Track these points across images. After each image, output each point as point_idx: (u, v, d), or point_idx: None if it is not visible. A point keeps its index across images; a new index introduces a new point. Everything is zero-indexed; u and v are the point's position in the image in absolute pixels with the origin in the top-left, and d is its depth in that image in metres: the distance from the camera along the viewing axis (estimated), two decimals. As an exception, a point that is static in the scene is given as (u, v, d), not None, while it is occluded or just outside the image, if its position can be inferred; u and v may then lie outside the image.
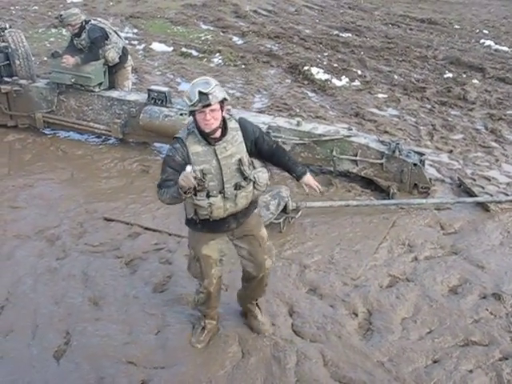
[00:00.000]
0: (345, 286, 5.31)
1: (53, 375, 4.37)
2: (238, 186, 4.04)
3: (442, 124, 9.40)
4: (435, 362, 4.50)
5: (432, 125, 9.36)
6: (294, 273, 5.47)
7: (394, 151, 6.82)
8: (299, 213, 6.25)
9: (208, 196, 3.98)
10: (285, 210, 6.06)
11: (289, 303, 5.06)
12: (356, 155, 7.01)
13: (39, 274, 5.48)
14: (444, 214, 6.54)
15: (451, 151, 8.37)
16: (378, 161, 6.91)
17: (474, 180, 7.38)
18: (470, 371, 4.40)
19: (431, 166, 7.70)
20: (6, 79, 8.49)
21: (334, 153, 7.04)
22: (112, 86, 8.41)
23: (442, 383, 4.28)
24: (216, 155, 3.94)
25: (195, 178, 3.65)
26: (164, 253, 5.73)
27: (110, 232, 6.10)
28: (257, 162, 4.17)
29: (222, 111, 3.89)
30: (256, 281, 4.53)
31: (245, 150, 4.05)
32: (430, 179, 7.00)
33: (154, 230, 6.12)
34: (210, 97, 3.73)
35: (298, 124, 7.27)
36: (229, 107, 7.63)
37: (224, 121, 3.95)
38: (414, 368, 4.42)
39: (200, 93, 3.71)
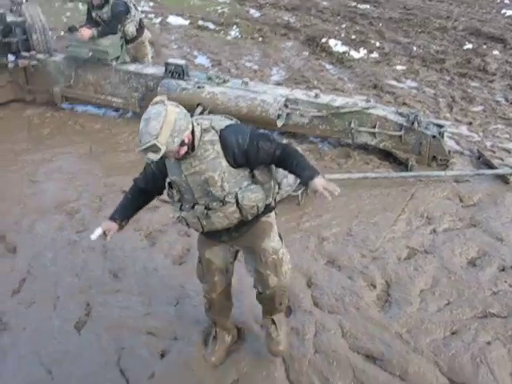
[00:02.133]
0: (363, 257, 5.31)
1: (74, 346, 4.44)
2: (208, 207, 3.57)
3: (461, 96, 9.29)
4: (453, 333, 4.50)
5: (451, 97, 9.25)
6: (312, 245, 5.48)
7: (412, 123, 6.76)
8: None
9: (181, 208, 3.69)
10: (303, 182, 6.04)
11: (307, 275, 5.08)
12: (374, 127, 6.96)
13: (59, 246, 5.54)
14: (463, 187, 6.48)
15: (471, 123, 8.28)
16: (397, 133, 6.86)
17: (494, 152, 7.29)
18: (488, 343, 4.39)
19: (450, 138, 7.61)
20: (24, 54, 8.50)
21: (353, 125, 7.00)
22: (133, 59, 8.39)
23: (459, 355, 4.28)
24: (182, 171, 3.53)
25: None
26: (182, 226, 5.73)
27: (129, 205, 6.13)
28: (263, 174, 3.66)
29: (188, 140, 3.39)
30: (264, 298, 4.07)
31: (221, 166, 3.48)
32: (449, 151, 6.93)
33: (172, 203, 6.13)
34: (166, 155, 3.34)
35: (316, 96, 7.23)
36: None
37: (193, 138, 3.44)
38: (432, 339, 4.42)
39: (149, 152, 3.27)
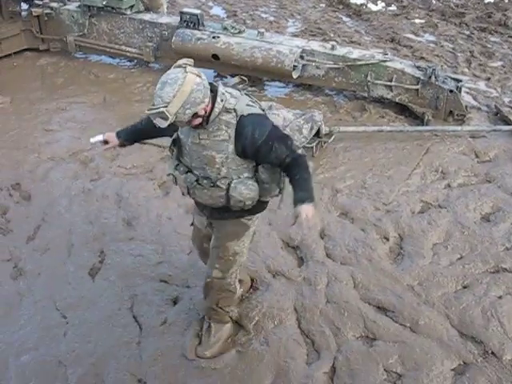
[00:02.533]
0: (376, 210, 5.31)
1: (88, 291, 4.50)
2: (198, 180, 3.44)
3: (480, 51, 9.16)
4: (465, 287, 4.51)
5: (470, 51, 9.11)
6: (325, 197, 5.48)
7: (430, 77, 6.68)
8: (332, 137, 6.20)
9: (176, 166, 3.55)
10: (318, 134, 6.02)
11: (320, 226, 5.09)
12: (391, 80, 6.89)
13: (74, 194, 5.58)
14: (479, 142, 6.44)
15: (489, 79, 8.17)
16: (414, 86, 6.79)
17: (512, 108, 7.22)
18: (500, 297, 4.40)
19: (468, 93, 7.54)
20: (37, 2, 8.44)
21: (369, 78, 6.93)
22: (147, 8, 8.30)
23: (470, 308, 4.29)
24: (190, 136, 3.39)
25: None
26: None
27: (143, 155, 6.14)
28: (266, 173, 3.46)
29: (204, 111, 3.21)
30: (204, 285, 3.93)
31: (227, 150, 3.32)
32: (466, 106, 6.86)
33: (186, 154, 6.13)
34: (175, 123, 3.17)
35: (333, 48, 7.15)
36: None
37: (209, 114, 3.26)
38: (444, 292, 4.44)
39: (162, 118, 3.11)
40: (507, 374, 3.80)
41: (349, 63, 6.98)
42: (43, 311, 4.33)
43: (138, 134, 3.95)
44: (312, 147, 5.98)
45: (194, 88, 3.08)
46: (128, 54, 8.20)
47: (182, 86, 3.05)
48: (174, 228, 5.09)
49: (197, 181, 3.45)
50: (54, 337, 4.12)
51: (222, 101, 3.25)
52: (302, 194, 3.30)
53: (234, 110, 3.28)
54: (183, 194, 3.70)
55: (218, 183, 3.40)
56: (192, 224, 4.06)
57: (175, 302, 4.38)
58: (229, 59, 7.14)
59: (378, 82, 6.93)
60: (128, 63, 8.41)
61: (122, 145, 3.94)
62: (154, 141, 6.25)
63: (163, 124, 3.09)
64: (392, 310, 4.28)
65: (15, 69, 8.28)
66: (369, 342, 4.05)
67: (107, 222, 5.19)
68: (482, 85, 7.97)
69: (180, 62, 3.16)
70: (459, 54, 8.99)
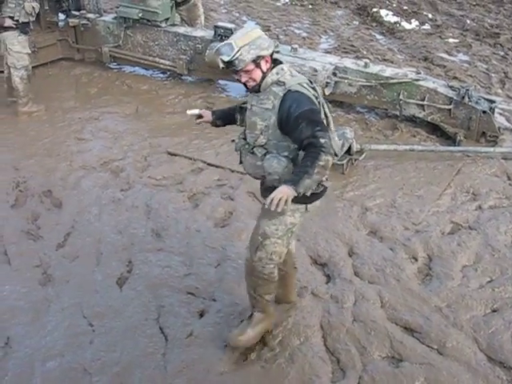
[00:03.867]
0: (406, 230, 5.26)
1: (115, 301, 4.51)
2: (244, 146, 3.70)
3: (514, 72, 9.08)
4: (494, 311, 4.45)
5: (504, 72, 9.04)
6: (355, 214, 5.46)
7: (463, 97, 6.64)
8: (363, 155, 6.19)
9: (241, 134, 3.80)
10: (349, 151, 6.02)
11: (349, 244, 5.07)
12: (423, 100, 6.86)
13: (104, 204, 5.62)
14: (511, 164, 6.36)
15: (523, 100, 8.09)
16: (446, 106, 6.75)
17: (545, 131, 7.13)
18: (530, 322, 4.34)
19: (501, 114, 7.47)
20: (74, 13, 8.57)
21: (401, 96, 6.91)
22: (186, 21, 8.39)
23: (500, 332, 4.22)
24: (248, 104, 3.67)
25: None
26: (226, 189, 5.79)
27: (174, 166, 6.18)
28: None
29: (263, 66, 3.46)
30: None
31: (270, 120, 3.49)
32: (499, 128, 6.80)
33: (217, 166, 6.18)
34: (236, 62, 3.39)
35: (366, 66, 7.14)
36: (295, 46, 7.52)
37: (263, 78, 3.50)
38: (473, 315, 4.38)
39: (223, 61, 3.41)
40: (535, 401, 3.74)
41: (381, 81, 6.97)
42: (70, 318, 4.35)
43: (230, 115, 4.03)
44: (343, 164, 5.97)
45: (261, 35, 3.46)
46: (161, 65, 8.28)
47: (251, 31, 3.47)
48: (202, 240, 5.09)
49: (245, 145, 3.68)
50: (80, 344, 4.13)
51: (277, 73, 3.50)
52: (290, 177, 3.37)
53: (284, 84, 3.47)
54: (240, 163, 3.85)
55: (254, 150, 3.60)
56: None
57: (201, 315, 4.37)
58: (262, 74, 7.16)
59: (411, 100, 6.91)
60: (161, 75, 8.48)
61: (214, 123, 4.06)
62: (185, 153, 6.37)
63: (227, 55, 3.36)
64: (419, 331, 4.22)
65: (50, 78, 8.41)
66: (395, 363, 4.00)
67: (136, 232, 5.22)
68: (515, 106, 7.89)
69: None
70: (493, 75, 8.92)
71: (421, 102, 6.86)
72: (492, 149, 6.49)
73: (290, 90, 3.44)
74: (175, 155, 6.38)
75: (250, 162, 3.66)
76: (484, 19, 11.64)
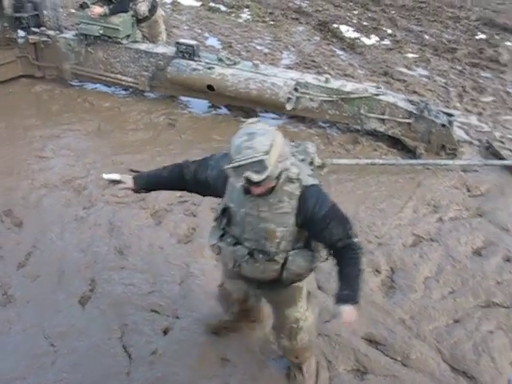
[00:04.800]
0: (369, 243, 5.31)
1: (78, 320, 4.46)
2: (252, 255, 3.19)
3: (472, 86, 9.24)
4: (456, 321, 4.52)
5: (462, 86, 9.20)
6: (317, 229, 5.48)
7: (422, 111, 6.74)
8: (325, 169, 6.18)
9: (222, 237, 3.28)
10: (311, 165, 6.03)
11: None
12: (384, 114, 6.94)
13: (66, 222, 5.55)
14: (471, 176, 6.49)
15: (481, 113, 8.25)
16: (406, 120, 6.84)
17: (503, 143, 7.29)
18: (491, 332, 4.42)
19: (460, 127, 7.60)
20: (34, 29, 8.46)
21: (362, 111, 6.98)
22: (147, 37, 8.37)
23: (462, 342, 4.30)
24: (245, 206, 3.11)
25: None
26: (189, 205, 5.76)
27: (136, 184, 6.14)
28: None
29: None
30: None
31: (289, 224, 3.06)
32: (458, 141, 6.93)
33: (180, 183, 6.14)
34: (264, 182, 2.86)
35: (327, 81, 7.20)
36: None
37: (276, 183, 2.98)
38: (435, 326, 4.45)
39: (249, 181, 2.83)
40: (498, 409, 3.79)
41: (342, 96, 7.04)
42: (32, 339, 4.29)
43: (159, 184, 3.60)
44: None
45: (283, 141, 2.88)
46: (123, 82, 8.23)
47: (276, 137, 2.82)
48: (165, 258, 5.06)
49: (249, 254, 3.18)
50: (42, 365, 4.09)
51: (286, 170, 2.97)
52: (347, 294, 3.06)
53: (298, 180, 3.02)
54: (227, 267, 3.41)
55: (275, 258, 3.15)
56: (221, 286, 3.87)
57: (165, 333, 4.35)
58: (224, 90, 7.18)
59: (371, 115, 6.99)
60: (123, 92, 8.44)
61: (136, 191, 3.61)
62: (147, 169, 6.31)
63: (258, 178, 2.77)
64: (383, 344, 4.28)
65: (10, 95, 8.28)
66: (360, 376, 4.05)
67: (99, 251, 5.16)
68: (473, 119, 8.04)
69: (251, 120, 2.96)
70: (451, 89, 9.08)
71: (381, 117, 6.95)
72: (451, 161, 6.61)
73: (306, 186, 3.04)
74: (138, 172, 6.31)
75: (263, 269, 3.21)
76: (442, 35, 11.85)
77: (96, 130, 7.38)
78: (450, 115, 6.92)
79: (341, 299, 3.05)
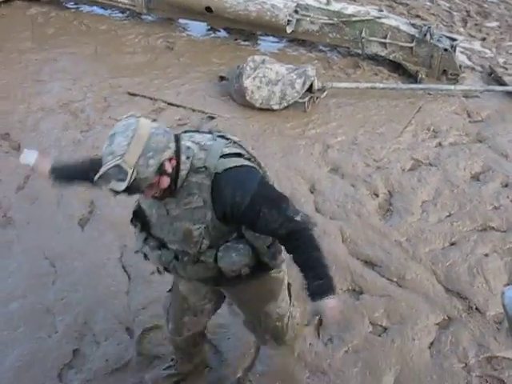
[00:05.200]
0: (367, 166, 5.31)
1: (77, 241, 4.50)
2: (177, 257, 2.70)
3: (476, 10, 9.04)
4: (452, 244, 4.54)
5: (466, 11, 9.01)
6: (316, 152, 5.47)
7: (425, 35, 6.63)
8: (325, 93, 6.17)
9: (145, 241, 2.78)
10: (310, 89, 5.99)
11: (310, 181, 5.10)
12: (385, 37, 6.82)
13: (64, 145, 5.54)
14: (472, 102, 6.42)
15: (484, 39, 8.10)
16: (408, 44, 6.73)
17: (506, 69, 7.17)
18: (486, 255, 4.44)
19: (462, 52, 7.48)
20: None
21: (363, 34, 6.86)
22: None
23: (457, 265, 4.33)
24: (154, 206, 2.66)
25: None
26: (188, 128, 5.70)
27: (134, 107, 6.05)
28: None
29: (168, 168, 2.41)
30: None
31: (205, 219, 2.54)
32: (460, 66, 6.82)
33: (178, 106, 6.10)
34: (136, 185, 2.35)
35: (328, 3, 7.05)
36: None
37: (176, 176, 2.46)
38: (431, 249, 4.47)
39: (116, 192, 2.36)
40: (490, 329, 3.85)
41: (343, 19, 6.90)
42: (32, 260, 4.34)
43: (73, 175, 3.16)
44: (304, 102, 5.96)
45: (152, 131, 2.35)
46: (120, 4, 8.02)
47: (137, 131, 2.32)
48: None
49: (175, 257, 2.71)
50: (42, 285, 4.14)
51: (187, 158, 2.47)
52: (319, 284, 2.54)
53: (205, 168, 2.47)
54: (159, 273, 2.93)
55: (202, 258, 2.66)
56: (171, 289, 3.19)
57: (164, 253, 4.38)
58: (222, 12, 7.04)
59: (373, 38, 6.87)
60: (120, 14, 8.25)
61: (49, 179, 3.19)
62: (146, 93, 6.27)
63: (121, 186, 2.30)
64: (379, 265, 4.31)
65: (4, 18, 8.10)
66: (355, 296, 4.09)
67: (97, 173, 5.15)
68: (477, 45, 7.91)
69: (127, 114, 2.49)
70: (455, 13, 8.89)
71: (383, 40, 6.83)
72: (453, 86, 6.52)
73: (217, 173, 2.47)
74: (135, 95, 6.27)
75: (197, 271, 2.72)
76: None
77: (93, 53, 7.26)
78: (453, 40, 6.80)
79: (315, 293, 2.52)
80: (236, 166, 2.51)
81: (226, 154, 2.53)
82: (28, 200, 4.91)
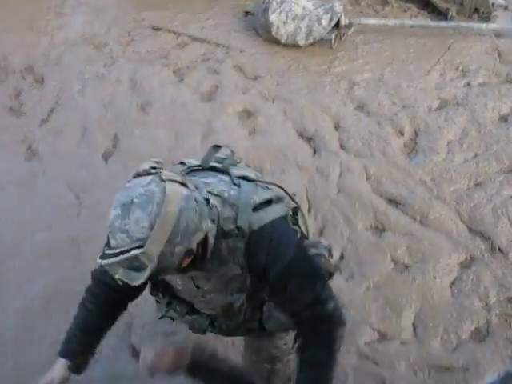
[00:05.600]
0: (393, 105, 5.22)
1: (101, 174, 4.53)
2: (214, 323, 2.33)
3: None
4: (477, 185, 4.49)
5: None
6: (342, 89, 5.38)
7: (457, -30, 6.41)
8: (352, 29, 6.03)
9: (168, 305, 2.36)
10: (337, 25, 5.85)
11: (335, 118, 5.03)
12: (416, -27, 6.63)
13: (87, 79, 5.50)
14: (503, 42, 6.21)
15: (520, -24, 7.83)
16: (439, -20, 6.53)
17: (540, 8, 6.96)
18: (511, 197, 4.39)
19: (495, -10, 7.25)
20: None
21: (393, -31, 6.66)
22: None
23: (481, 205, 4.29)
24: (178, 277, 2.15)
25: None
26: (212, 63, 5.66)
27: (158, 41, 6.01)
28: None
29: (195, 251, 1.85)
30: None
31: (246, 286, 2.13)
32: (493, 4, 6.60)
33: (203, 40, 6.00)
34: (163, 274, 1.90)
35: None
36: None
37: (204, 250, 1.90)
38: (456, 189, 4.43)
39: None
40: (512, 269, 3.84)
41: (373, -47, 6.70)
42: (57, 192, 4.37)
43: (97, 334, 2.38)
44: (331, 39, 5.84)
45: (182, 206, 1.75)
46: None
47: (164, 207, 1.71)
48: (187, 114, 5.04)
49: (211, 324, 2.34)
50: (67, 217, 4.18)
51: (213, 222, 1.90)
52: None
53: (238, 229, 1.95)
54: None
55: (245, 325, 2.31)
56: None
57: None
58: None
59: (403, -26, 6.67)
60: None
61: (74, 369, 2.32)
62: (170, 27, 6.19)
63: (135, 280, 1.73)
64: (403, 204, 4.28)
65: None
66: (378, 233, 4.08)
67: (121, 107, 5.14)
68: (510, -18, 7.66)
69: (145, 164, 1.92)
70: (489, -51, 8.58)
71: (413, -24, 6.64)
72: (484, 25, 6.34)
73: (253, 232, 1.97)
74: (159, 29, 6.18)
75: (239, 332, 2.42)
76: None
77: (116, -14, 7.14)
78: (486, -24, 6.58)
79: None
80: (268, 223, 2.00)
81: (259, 205, 2.02)
82: (52, 133, 4.92)
